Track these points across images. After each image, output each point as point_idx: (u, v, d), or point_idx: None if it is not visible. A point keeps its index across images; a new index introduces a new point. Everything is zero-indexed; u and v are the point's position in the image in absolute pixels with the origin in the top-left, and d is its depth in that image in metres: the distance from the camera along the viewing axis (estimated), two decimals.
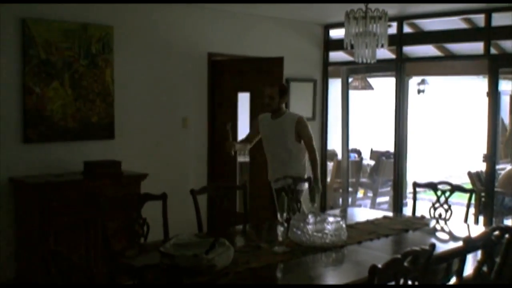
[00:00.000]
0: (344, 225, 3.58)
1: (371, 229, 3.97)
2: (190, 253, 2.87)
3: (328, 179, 8.31)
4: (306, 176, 5.01)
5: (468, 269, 3.14)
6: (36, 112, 5.19)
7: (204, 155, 6.53)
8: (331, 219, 3.61)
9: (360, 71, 8.92)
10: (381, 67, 7.51)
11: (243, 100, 6.64)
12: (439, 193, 4.62)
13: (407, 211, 7.16)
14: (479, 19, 6.52)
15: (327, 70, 7.78)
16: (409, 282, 2.61)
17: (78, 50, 5.43)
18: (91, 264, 4.79)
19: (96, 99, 5.56)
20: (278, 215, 3.54)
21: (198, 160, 6.48)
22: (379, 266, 2.42)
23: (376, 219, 4.31)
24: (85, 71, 5.48)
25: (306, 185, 4.90)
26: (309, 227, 3.48)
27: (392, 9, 5.52)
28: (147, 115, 5.99)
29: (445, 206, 4.54)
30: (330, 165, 8.56)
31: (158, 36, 6.06)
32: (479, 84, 9.86)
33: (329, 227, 3.49)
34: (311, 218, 3.57)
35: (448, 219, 4.46)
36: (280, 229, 3.50)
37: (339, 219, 3.62)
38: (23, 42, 5.12)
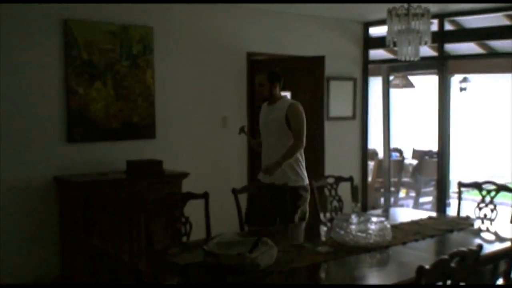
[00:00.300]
0: (388, 225, 3.52)
1: (415, 229, 3.89)
2: (234, 252, 2.87)
3: (369, 179, 8.22)
4: (300, 171, 4.71)
5: None
6: (80, 113, 5.28)
7: (244, 154, 6.53)
8: (375, 219, 3.56)
9: (401, 69, 8.79)
10: (422, 65, 7.39)
11: None
12: (484, 193, 4.51)
13: (451, 211, 7.03)
14: None
15: (367, 68, 7.70)
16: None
17: (119, 51, 5.50)
18: (136, 262, 4.83)
19: (137, 99, 5.62)
20: (321, 215, 3.50)
21: (238, 159, 6.48)
22: (427, 267, 2.37)
23: (421, 220, 4.23)
24: (126, 72, 5.54)
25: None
26: (353, 227, 3.43)
27: (433, 7, 5.42)
28: (187, 114, 6.03)
29: (491, 206, 4.43)
30: (371, 164, 8.47)
31: (198, 36, 6.09)
32: None
33: (373, 227, 3.44)
34: (354, 218, 3.52)
35: (494, 220, 4.35)
36: (323, 228, 3.46)
37: (383, 219, 3.57)
38: (66, 43, 5.21)
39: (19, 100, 5.01)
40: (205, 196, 3.96)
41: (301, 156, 4.74)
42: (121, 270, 2.37)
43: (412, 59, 4.57)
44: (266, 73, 4.76)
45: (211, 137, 6.22)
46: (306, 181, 4.71)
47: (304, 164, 4.76)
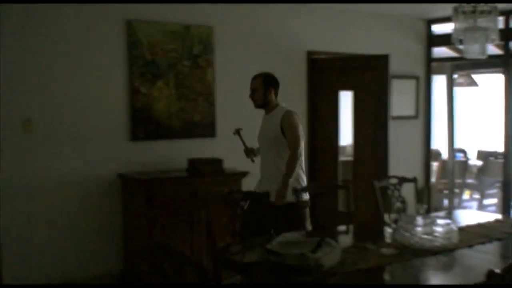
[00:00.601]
0: (455, 228, 3.42)
1: (482, 232, 3.77)
2: (297, 252, 2.84)
3: (433, 179, 8.03)
4: (300, 186, 4.27)
5: None
6: (143, 111, 5.37)
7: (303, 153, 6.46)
8: (441, 221, 3.46)
9: (465, 67, 8.56)
10: (487, 63, 7.17)
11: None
12: None
13: None
14: None
15: (430, 66, 7.52)
16: None
17: (181, 51, 5.57)
18: (201, 260, 4.88)
19: (198, 99, 5.68)
20: (385, 216, 3.44)
21: None
22: (497, 270, 2.29)
23: (488, 222, 4.10)
24: (188, 72, 5.61)
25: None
26: (418, 229, 3.35)
27: (499, 4, 5.23)
28: (246, 113, 6.01)
29: None
30: (434, 165, 8.27)
31: (257, 35, 6.10)
32: None
33: (439, 229, 3.35)
34: (420, 220, 3.44)
35: None
36: (388, 230, 3.40)
37: (449, 221, 3.47)
38: (129, 44, 5.31)
39: (87, 99, 5.15)
40: (266, 195, 3.96)
41: (301, 169, 4.34)
42: (187, 268, 2.38)
43: (479, 57, 4.44)
44: (260, 77, 4.37)
45: None
46: (306, 196, 4.24)
47: (304, 177, 4.38)
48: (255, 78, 4.40)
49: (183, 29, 5.57)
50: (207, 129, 5.74)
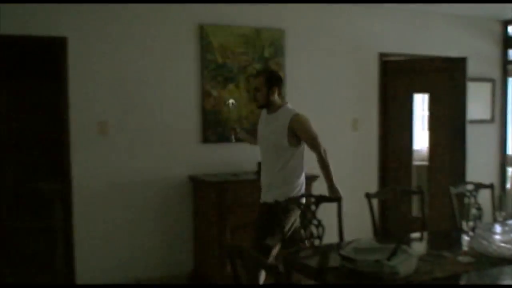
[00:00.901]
0: None
1: None
2: (372, 258, 2.80)
3: (508, 186, 7.72)
4: (297, 194, 4.02)
5: None
6: (214, 114, 5.44)
7: (375, 157, 6.39)
8: None
9: None
10: None
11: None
12: None
13: None
14: None
15: (507, 68, 7.25)
16: None
17: (252, 54, 5.61)
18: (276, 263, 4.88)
19: None
20: (462, 223, 3.33)
21: (368, 163, 6.35)
22: None
23: None
24: None
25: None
26: (497, 237, 3.24)
27: None
28: (317, 116, 5.92)
29: None
30: (510, 170, 7.94)
31: (328, 37, 6.06)
32: None
33: None
34: (498, 228, 3.32)
35: None
36: (464, 238, 3.29)
37: None
38: (201, 47, 5.39)
39: (160, 101, 5.27)
40: (337, 199, 3.92)
41: (299, 165, 4.09)
42: (260, 270, 2.39)
43: None
44: (263, 75, 4.06)
45: (340, 140, 6.15)
46: (294, 192, 4.00)
47: (298, 173, 4.09)
48: (256, 76, 4.11)
49: (254, 32, 5.61)
50: None
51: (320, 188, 4.88)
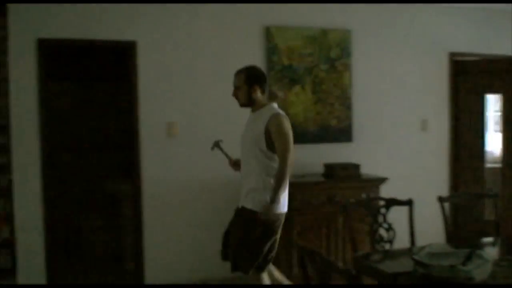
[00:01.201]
0: None
1: None
2: (446, 263, 2.72)
3: None
4: (283, 204, 3.78)
5: None
6: None
7: (445, 159, 6.20)
8: None
9: None
10: None
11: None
12: None
13: None
14: None
15: None
16: None
17: (318, 55, 5.58)
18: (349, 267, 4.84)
19: (334, 103, 5.65)
20: None
21: (438, 165, 6.18)
22: None
23: None
24: (324, 76, 5.60)
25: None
26: None
27: None
28: (384, 117, 5.91)
29: None
30: None
31: (396, 37, 5.95)
32: None
33: None
34: None
35: None
36: None
37: None
38: (267, 49, 5.41)
39: (226, 102, 5.21)
40: (409, 203, 3.85)
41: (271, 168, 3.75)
42: (333, 274, 2.37)
43: None
44: (244, 73, 3.84)
45: (409, 141, 6.03)
46: (280, 210, 3.75)
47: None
48: (237, 73, 3.89)
49: (320, 33, 5.58)
50: (344, 134, 5.69)
51: (389, 190, 4.81)
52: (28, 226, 4.84)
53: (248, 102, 3.82)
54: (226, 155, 4.00)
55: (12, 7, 4.78)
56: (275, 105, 3.84)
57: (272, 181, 3.67)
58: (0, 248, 5.29)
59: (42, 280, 4.89)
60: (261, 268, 3.78)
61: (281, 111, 3.77)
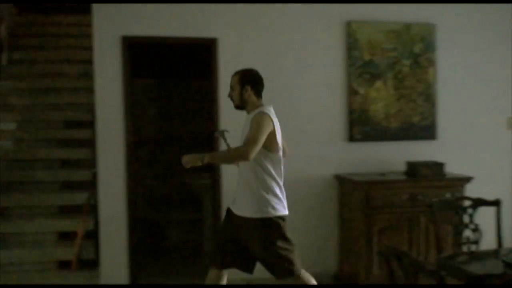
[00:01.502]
0: None
1: None
2: None
3: None
4: (284, 207, 3.73)
5: None
6: (360, 112, 5.35)
7: None
8: None
9: None
10: None
11: None
12: None
13: None
14: None
15: None
16: None
17: (401, 50, 5.43)
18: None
19: (417, 99, 5.49)
20: None
21: None
22: None
23: None
24: (407, 71, 5.46)
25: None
26: None
27: None
28: (470, 115, 5.68)
29: None
30: None
31: (484, 32, 5.68)
32: None
33: None
34: None
35: None
36: None
37: None
38: (348, 44, 5.32)
39: (306, 99, 5.29)
40: (497, 203, 3.68)
41: (273, 180, 3.68)
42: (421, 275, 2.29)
43: None
44: (238, 74, 3.75)
45: (495, 140, 5.76)
46: (277, 213, 3.66)
47: (278, 191, 3.71)
48: (233, 75, 3.79)
49: (404, 28, 5.44)
50: (427, 131, 5.51)
51: (476, 190, 4.61)
52: (112, 219, 4.99)
53: (241, 103, 3.73)
54: (228, 146, 3.83)
55: (96, 6, 4.95)
56: (268, 107, 3.69)
57: (268, 180, 3.63)
58: (85, 239, 5.47)
59: (125, 272, 5.03)
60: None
61: (269, 111, 3.62)
